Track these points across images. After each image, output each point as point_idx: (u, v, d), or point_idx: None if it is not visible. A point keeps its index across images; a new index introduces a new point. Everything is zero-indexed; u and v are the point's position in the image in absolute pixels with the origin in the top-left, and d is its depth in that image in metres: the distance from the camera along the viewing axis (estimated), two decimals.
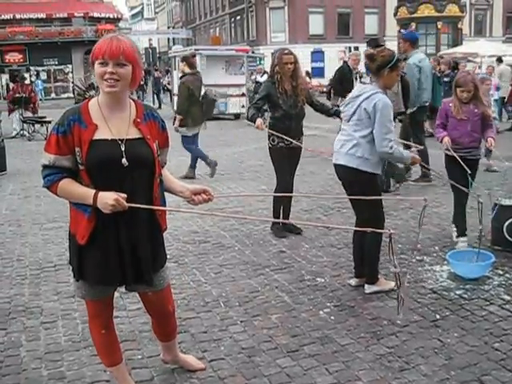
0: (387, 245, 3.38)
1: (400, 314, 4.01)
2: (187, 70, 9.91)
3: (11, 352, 3.91)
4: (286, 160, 6.39)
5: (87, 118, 2.83)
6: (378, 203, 4.68)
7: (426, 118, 9.62)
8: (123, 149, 2.84)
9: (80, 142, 2.78)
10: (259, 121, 6.19)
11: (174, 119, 9.82)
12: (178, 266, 5.59)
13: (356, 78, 10.94)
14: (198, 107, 9.76)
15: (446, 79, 14.47)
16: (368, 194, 4.36)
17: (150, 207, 2.95)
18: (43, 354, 3.89)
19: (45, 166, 2.85)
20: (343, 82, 10.99)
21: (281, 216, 6.51)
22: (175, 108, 23.84)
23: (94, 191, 2.78)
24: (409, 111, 8.76)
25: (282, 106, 6.21)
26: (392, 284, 4.77)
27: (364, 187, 4.57)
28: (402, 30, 11.02)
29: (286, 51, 6.24)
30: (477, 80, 5.74)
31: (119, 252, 2.93)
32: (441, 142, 5.69)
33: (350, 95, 4.81)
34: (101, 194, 2.76)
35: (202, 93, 9.80)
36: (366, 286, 4.84)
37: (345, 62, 11.84)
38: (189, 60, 10.02)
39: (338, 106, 6.96)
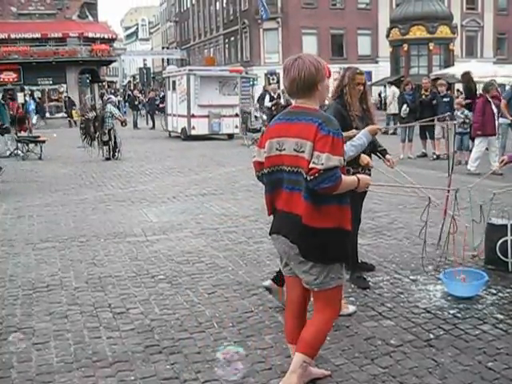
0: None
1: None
2: None
3: (2, 373, 3.88)
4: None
5: None
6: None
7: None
8: None
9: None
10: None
11: None
12: (172, 287, 5.57)
13: None
14: None
15: (445, 99, 14.65)
16: None
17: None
18: (35, 375, 3.86)
19: (335, 167, 3.15)
20: None
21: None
22: (168, 128, 24.17)
23: (354, 176, 3.45)
24: None
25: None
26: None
27: None
28: None
29: (359, 70, 5.47)
30: None
31: None
32: None
33: None
34: (360, 176, 3.46)
35: None
36: None
37: None
38: None
39: None
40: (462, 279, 5.10)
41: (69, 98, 37.41)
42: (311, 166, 3.16)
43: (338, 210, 3.28)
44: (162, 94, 32.05)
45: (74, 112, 34.40)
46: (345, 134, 4.54)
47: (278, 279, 4.78)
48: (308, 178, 3.17)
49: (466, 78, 15.53)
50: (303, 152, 3.23)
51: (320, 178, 3.12)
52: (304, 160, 3.22)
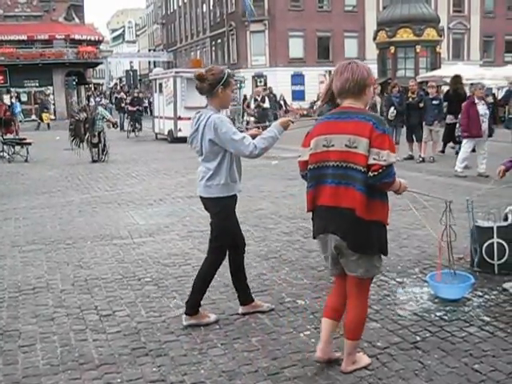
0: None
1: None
2: None
3: None
4: None
5: None
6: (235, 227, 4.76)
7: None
8: None
9: None
10: None
11: None
12: (158, 289, 5.56)
13: None
14: None
15: (434, 102, 14.71)
16: (233, 216, 4.65)
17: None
18: (21, 378, 3.84)
19: (393, 164, 3.42)
20: None
21: None
22: (155, 130, 24.14)
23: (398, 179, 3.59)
24: None
25: None
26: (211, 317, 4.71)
27: (229, 210, 4.64)
28: None
29: None
30: None
31: None
32: None
33: (191, 130, 4.59)
34: (401, 179, 3.63)
35: None
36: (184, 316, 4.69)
37: None
38: None
39: None
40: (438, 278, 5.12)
41: (41, 100, 36.94)
42: (372, 162, 3.39)
43: (382, 205, 3.55)
44: (135, 95, 30.66)
45: (44, 115, 33.81)
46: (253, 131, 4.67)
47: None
48: (371, 174, 3.39)
49: (457, 81, 15.62)
50: (356, 148, 3.44)
51: (384, 173, 3.38)
52: (358, 155, 3.43)
